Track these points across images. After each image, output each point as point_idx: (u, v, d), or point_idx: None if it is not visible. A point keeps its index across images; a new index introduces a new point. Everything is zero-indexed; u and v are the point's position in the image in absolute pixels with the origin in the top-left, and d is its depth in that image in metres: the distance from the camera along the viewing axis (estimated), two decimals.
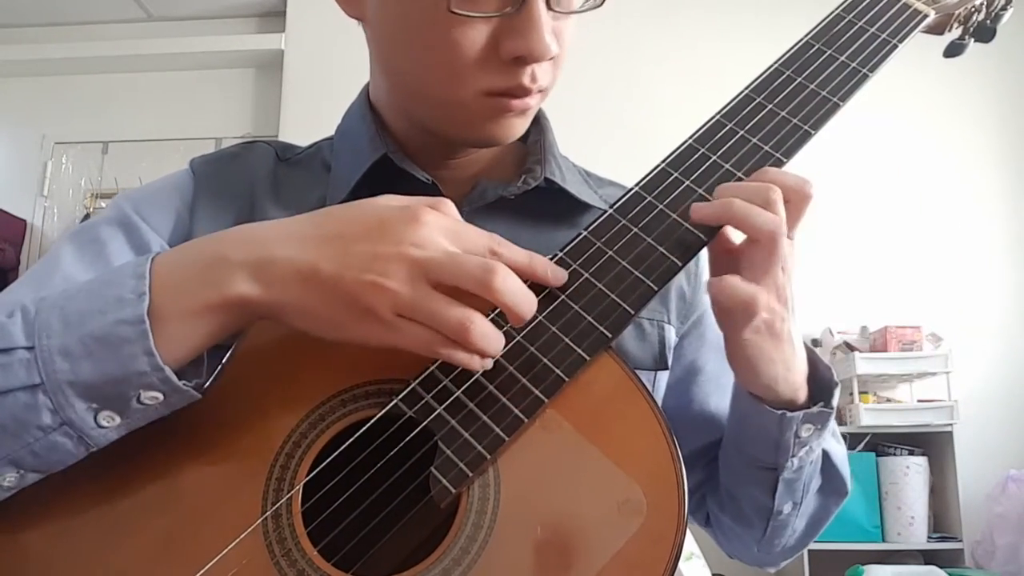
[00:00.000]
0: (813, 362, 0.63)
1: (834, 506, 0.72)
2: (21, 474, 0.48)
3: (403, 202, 0.51)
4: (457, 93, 0.62)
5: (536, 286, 0.54)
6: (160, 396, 0.48)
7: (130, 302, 0.47)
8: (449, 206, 0.52)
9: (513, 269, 0.50)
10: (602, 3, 0.62)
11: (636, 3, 3.20)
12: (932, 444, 2.67)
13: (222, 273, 0.48)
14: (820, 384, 0.63)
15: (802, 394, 0.61)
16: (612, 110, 3.12)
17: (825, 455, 0.68)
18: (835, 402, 0.63)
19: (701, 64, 3.14)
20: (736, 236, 0.59)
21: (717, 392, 0.75)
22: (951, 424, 2.60)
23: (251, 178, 0.71)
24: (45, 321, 0.47)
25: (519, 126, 0.66)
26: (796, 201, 0.57)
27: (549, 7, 0.59)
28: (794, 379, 0.60)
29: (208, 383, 0.53)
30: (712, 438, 0.75)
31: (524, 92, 0.62)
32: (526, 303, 0.49)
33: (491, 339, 0.49)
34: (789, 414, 0.60)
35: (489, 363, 0.51)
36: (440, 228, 0.49)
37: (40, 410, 0.46)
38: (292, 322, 0.50)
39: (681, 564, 0.49)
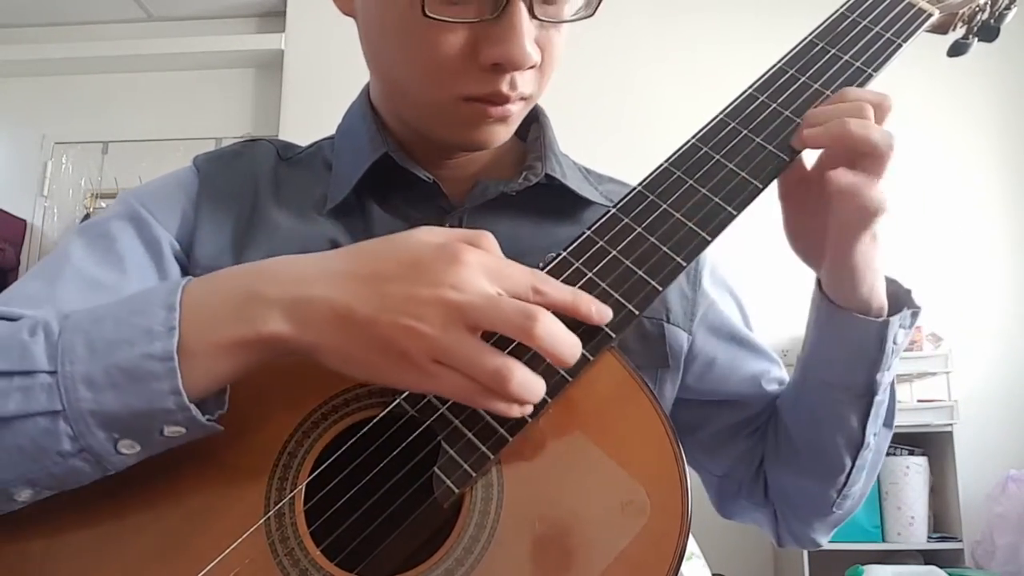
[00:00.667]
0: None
1: (885, 442, 0.73)
2: (36, 491, 0.48)
3: (441, 238, 0.49)
4: (436, 96, 0.62)
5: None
6: (183, 430, 0.48)
7: (159, 335, 0.46)
8: (489, 240, 0.50)
9: (557, 308, 0.49)
10: (593, 13, 0.62)
11: (635, 3, 3.20)
12: (932, 444, 2.66)
13: (256, 310, 0.48)
14: (895, 294, 0.66)
15: (886, 302, 0.64)
16: (610, 110, 3.11)
17: None
18: (918, 301, 0.66)
19: (700, 64, 3.14)
20: (808, 161, 0.61)
21: (734, 375, 0.77)
22: (951, 424, 2.60)
23: (253, 177, 0.71)
24: (69, 345, 0.46)
25: (501, 133, 0.66)
26: (879, 113, 0.60)
27: (532, 15, 0.59)
28: (882, 291, 0.64)
29: None
30: (747, 412, 0.77)
31: (503, 99, 0.62)
32: (568, 349, 0.48)
33: (530, 388, 0.47)
34: (891, 319, 0.63)
35: (529, 409, 0.49)
36: (480, 267, 0.47)
37: (60, 436, 0.45)
38: (325, 362, 0.48)
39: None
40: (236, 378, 0.49)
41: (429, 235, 0.50)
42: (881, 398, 0.67)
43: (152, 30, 3.68)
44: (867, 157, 0.57)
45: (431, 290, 0.46)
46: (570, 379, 0.52)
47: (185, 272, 0.67)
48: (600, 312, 0.52)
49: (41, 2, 3.55)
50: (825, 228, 0.61)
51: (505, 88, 0.61)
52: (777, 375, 0.79)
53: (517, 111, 0.64)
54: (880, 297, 0.64)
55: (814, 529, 0.77)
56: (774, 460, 0.76)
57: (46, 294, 0.61)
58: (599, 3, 0.61)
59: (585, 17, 0.62)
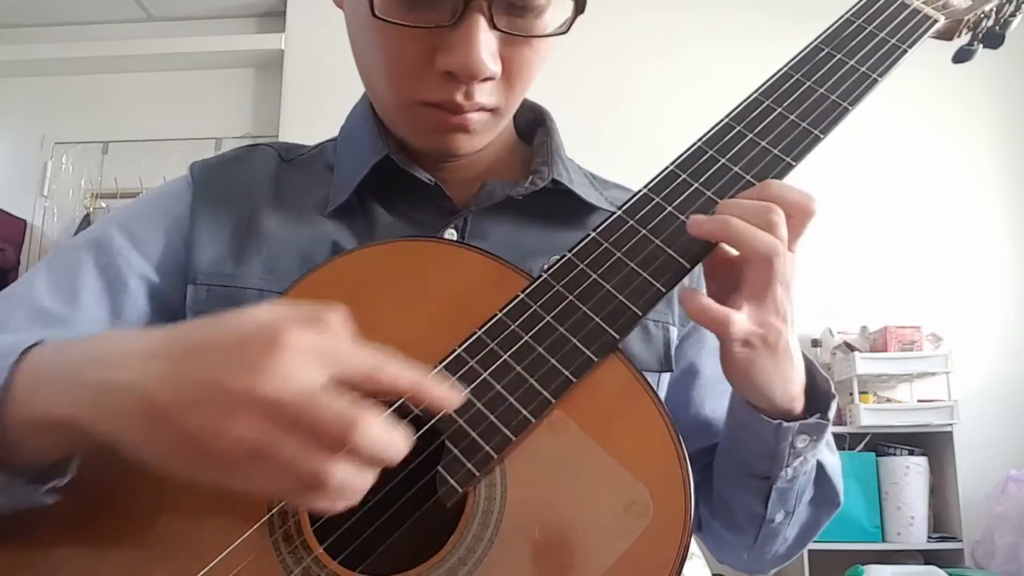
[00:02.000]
0: (811, 372, 0.62)
1: (825, 517, 0.71)
2: None
3: (269, 318, 0.43)
4: (397, 99, 0.62)
5: (540, 305, 0.54)
6: (6, 498, 0.47)
7: None
8: (333, 318, 0.45)
9: (400, 394, 0.45)
10: (567, 31, 0.61)
11: (634, 5, 3.20)
12: (932, 444, 2.67)
13: (63, 389, 0.45)
14: (817, 394, 0.62)
15: (799, 404, 0.61)
16: (610, 111, 3.11)
17: (819, 466, 0.68)
18: (831, 413, 0.62)
19: (702, 66, 3.14)
20: (733, 248, 0.57)
21: (713, 397, 0.74)
22: (951, 424, 2.60)
23: (253, 182, 0.71)
24: None
25: (464, 142, 0.65)
26: (798, 216, 0.55)
27: (493, 26, 0.58)
28: (791, 390, 0.59)
29: None
30: (706, 443, 0.74)
31: (456, 108, 0.61)
32: (391, 454, 0.43)
33: (351, 483, 0.42)
34: (785, 424, 0.59)
35: (348, 502, 0.44)
36: (307, 351, 0.42)
37: None
38: (130, 456, 0.43)
39: None
40: (68, 452, 0.48)
41: (259, 313, 0.44)
42: (784, 486, 0.63)
43: (152, 30, 3.68)
44: (748, 262, 0.54)
45: (245, 381, 0.40)
46: (575, 380, 0.52)
47: (158, 299, 0.67)
48: (448, 396, 0.47)
49: (41, 2, 3.55)
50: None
51: (459, 98, 0.60)
52: None
53: (480, 121, 0.63)
54: (787, 398, 0.59)
55: (741, 568, 0.76)
56: (703, 499, 0.74)
57: (1, 320, 0.62)
58: (573, 21, 0.60)
59: (558, 34, 0.61)
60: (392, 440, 0.43)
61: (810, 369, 0.62)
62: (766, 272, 0.53)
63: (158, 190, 0.73)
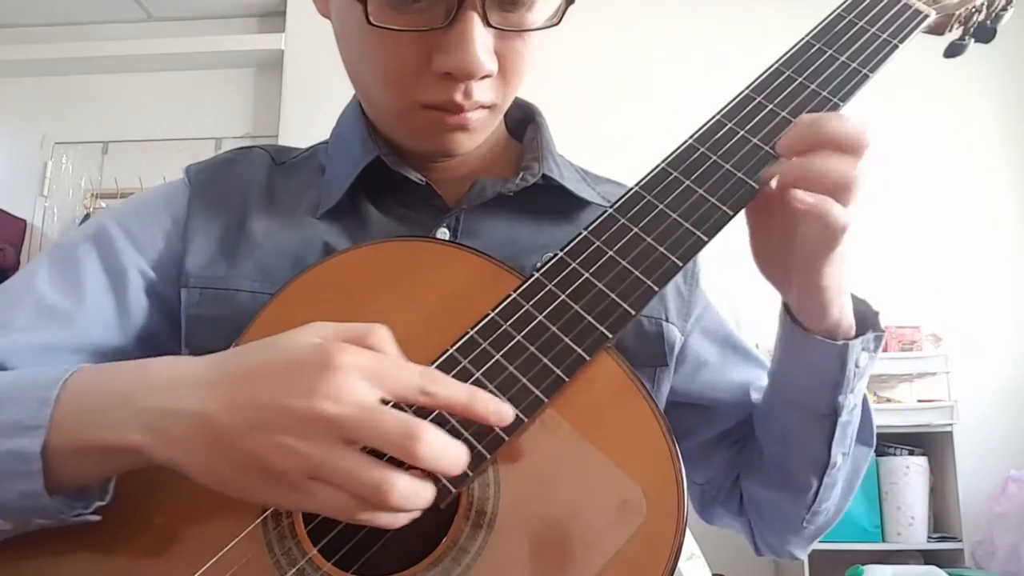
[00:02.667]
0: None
1: (863, 459, 0.73)
2: None
3: (318, 339, 0.46)
4: (394, 103, 0.62)
5: (532, 304, 0.55)
6: (53, 521, 0.48)
7: (27, 431, 0.46)
8: (380, 337, 0.47)
9: (450, 410, 0.46)
10: (559, 22, 0.61)
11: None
12: (932, 444, 2.66)
13: (122, 418, 0.46)
14: (860, 315, 0.64)
15: (853, 327, 0.63)
16: (598, 107, 3.11)
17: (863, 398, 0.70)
18: (882, 327, 0.64)
19: (692, 64, 3.14)
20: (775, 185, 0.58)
21: (723, 379, 0.76)
22: (951, 424, 2.60)
23: (246, 185, 0.71)
24: None
25: (464, 141, 0.65)
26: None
27: (487, 23, 0.58)
28: (848, 309, 0.62)
29: None
30: (731, 422, 0.76)
31: (457, 108, 0.61)
32: (453, 464, 0.44)
33: (414, 498, 0.44)
34: (851, 342, 0.61)
35: (412, 515, 0.46)
36: (360, 371, 0.43)
37: None
38: (193, 478, 0.45)
39: (681, 564, 0.49)
40: (111, 476, 0.49)
41: (308, 335, 0.46)
42: (846, 419, 0.65)
43: (152, 30, 3.68)
44: (833, 191, 0.55)
45: (304, 401, 0.42)
46: (567, 379, 0.52)
47: (157, 297, 0.67)
48: (499, 412, 0.47)
49: (41, 2, 3.55)
50: (790, 250, 0.59)
51: (459, 97, 0.60)
52: (765, 383, 0.78)
53: (479, 119, 0.64)
54: (847, 318, 0.62)
55: (789, 543, 0.77)
56: (748, 473, 0.76)
57: (3, 319, 0.62)
58: (564, 11, 0.60)
59: (550, 26, 0.61)
60: (452, 451, 0.44)
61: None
62: (844, 197, 0.54)
63: (155, 191, 0.73)
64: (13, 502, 0.47)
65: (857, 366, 0.62)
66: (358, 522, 0.45)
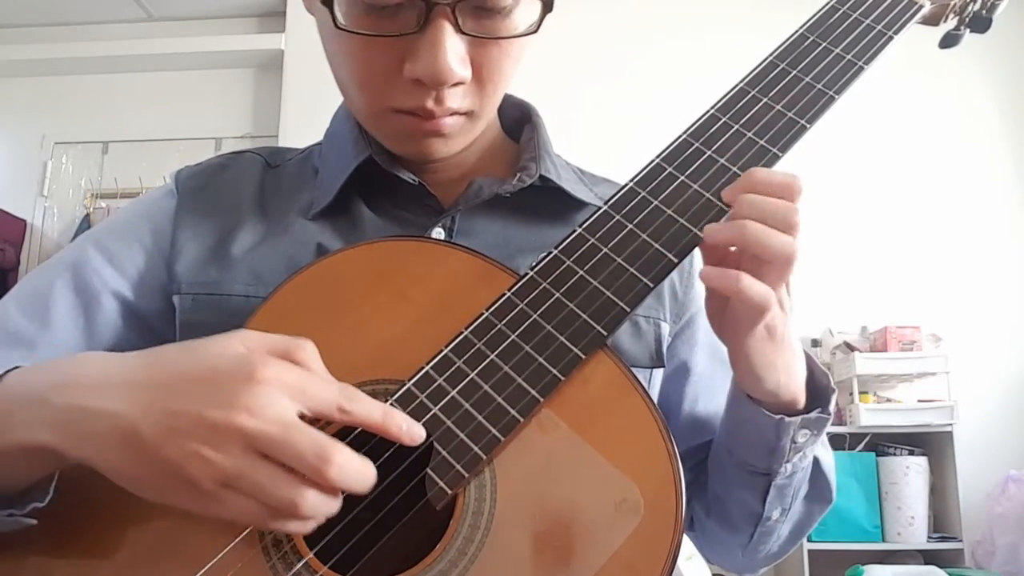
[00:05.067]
0: (809, 367, 0.62)
1: (818, 514, 0.71)
2: None
3: (243, 350, 0.46)
4: (369, 106, 0.62)
5: (527, 303, 0.54)
6: None
7: None
8: (306, 352, 0.48)
9: (365, 427, 0.47)
10: (536, 30, 0.60)
11: None
12: (932, 444, 2.66)
13: (31, 414, 0.46)
14: (817, 389, 0.63)
15: (801, 399, 0.61)
16: (594, 105, 3.11)
17: (815, 461, 0.68)
18: (832, 408, 0.62)
19: (686, 58, 3.13)
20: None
21: (706, 394, 0.75)
22: (951, 424, 2.60)
23: (237, 190, 0.71)
24: None
25: (439, 146, 0.64)
26: (789, 199, 0.55)
27: (459, 30, 0.57)
28: (794, 385, 0.60)
29: None
30: (699, 440, 0.74)
31: (428, 115, 0.60)
32: (362, 483, 0.45)
33: (323, 509, 0.45)
34: (787, 419, 0.59)
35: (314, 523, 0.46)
36: (281, 386, 0.44)
37: None
38: (109, 477, 0.45)
39: (681, 564, 0.49)
40: (38, 478, 0.48)
41: (234, 344, 0.46)
42: (783, 482, 0.64)
43: (152, 30, 3.68)
44: (763, 264, 0.54)
45: (222, 412, 0.43)
46: (562, 378, 0.52)
47: (133, 315, 0.67)
48: (411, 432, 0.48)
49: (41, 2, 3.55)
50: (720, 317, 0.58)
51: (430, 104, 0.60)
52: None
53: (454, 125, 0.63)
54: (790, 392, 0.59)
55: (732, 568, 0.77)
56: (696, 497, 0.74)
57: None
58: (541, 20, 0.59)
59: (528, 34, 0.60)
60: (363, 471, 0.45)
61: (809, 364, 0.62)
62: (782, 271, 0.54)
63: (139, 202, 0.73)
64: None
65: (794, 442, 0.61)
66: (269, 529, 0.46)
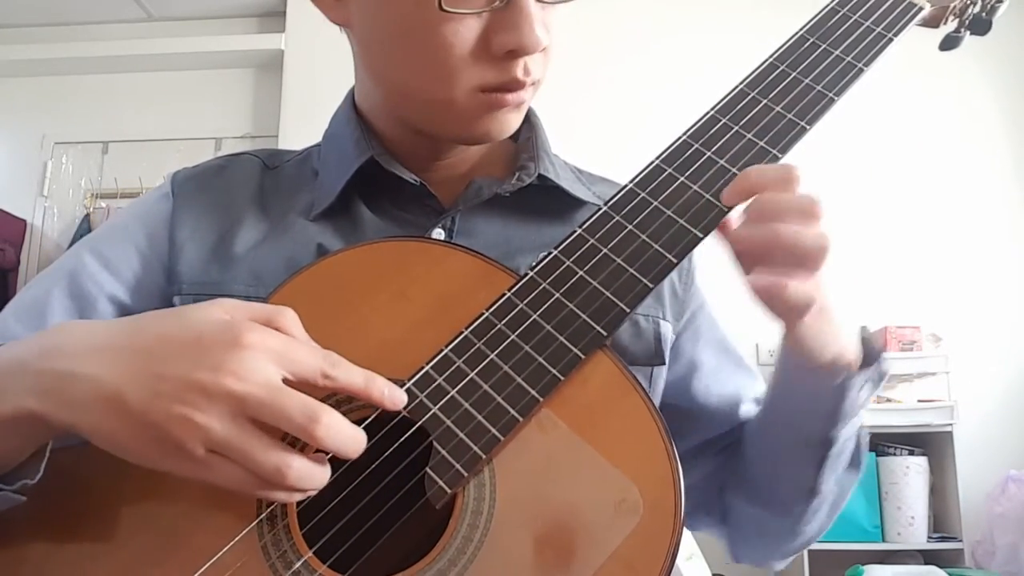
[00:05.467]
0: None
1: (850, 485, 0.72)
2: None
3: (227, 317, 0.46)
4: (451, 92, 0.62)
5: (526, 303, 0.54)
6: None
7: None
8: (287, 319, 0.48)
9: (348, 392, 0.48)
10: None
11: None
12: (932, 444, 2.66)
13: (15, 383, 0.45)
14: (865, 351, 0.64)
15: (856, 361, 0.62)
16: (596, 105, 3.11)
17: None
18: (885, 363, 0.64)
19: (687, 60, 3.14)
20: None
21: (717, 384, 0.76)
22: (951, 424, 2.60)
23: (235, 191, 0.71)
24: None
25: (514, 121, 0.66)
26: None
27: None
28: (850, 350, 0.61)
29: None
30: (719, 430, 0.75)
31: (518, 85, 0.62)
32: (352, 446, 0.46)
33: (310, 479, 0.45)
34: (851, 378, 0.61)
35: (312, 493, 0.47)
36: (266, 351, 0.44)
37: None
38: (93, 442, 0.45)
39: (681, 564, 0.49)
40: (27, 450, 0.48)
41: (216, 311, 0.46)
42: (838, 450, 0.65)
43: (152, 30, 3.68)
44: (798, 264, 0.54)
45: (210, 375, 0.43)
46: (562, 377, 0.52)
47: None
48: (392, 396, 0.49)
49: (41, 2, 3.55)
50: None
51: (520, 74, 0.61)
52: (756, 393, 0.78)
53: (529, 97, 0.65)
54: (846, 355, 0.61)
55: (769, 556, 0.77)
56: (734, 486, 0.75)
57: None
58: None
59: None
60: (350, 434, 0.46)
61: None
62: (819, 262, 0.54)
63: (134, 206, 0.73)
64: None
65: (856, 401, 0.62)
66: (256, 496, 0.47)
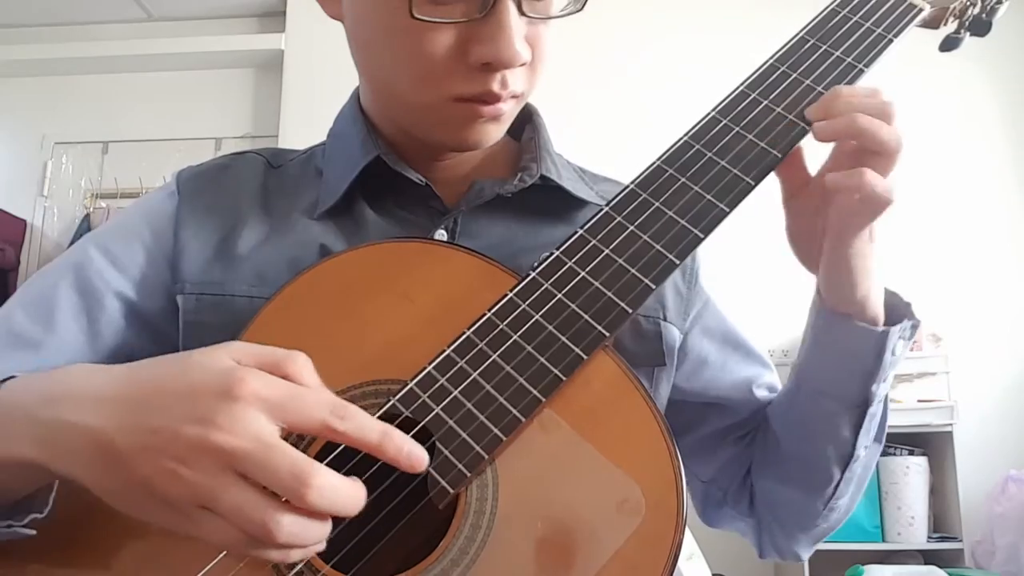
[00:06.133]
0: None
1: (874, 457, 0.73)
2: None
3: (230, 363, 0.44)
4: (427, 98, 0.62)
5: (529, 303, 0.55)
6: None
7: None
8: (297, 364, 0.45)
9: (359, 446, 0.44)
10: (582, 7, 0.62)
11: None
12: (932, 444, 2.66)
13: (16, 429, 0.46)
14: (893, 305, 0.65)
15: (881, 314, 0.63)
16: (598, 105, 3.11)
17: None
18: (915, 315, 0.65)
19: (689, 61, 3.13)
20: (811, 166, 0.61)
21: (725, 377, 0.77)
22: (951, 424, 2.60)
23: (240, 190, 0.71)
24: None
25: (494, 131, 0.65)
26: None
27: (521, 12, 0.58)
28: (879, 296, 0.63)
29: None
30: (735, 417, 0.76)
31: (494, 99, 0.61)
32: (348, 505, 0.43)
33: (303, 536, 0.42)
34: (891, 329, 0.62)
35: (305, 552, 0.44)
36: (261, 402, 0.42)
37: None
38: (93, 492, 0.44)
39: (681, 564, 0.49)
40: (29, 489, 0.48)
41: (221, 357, 0.45)
42: (875, 410, 0.66)
43: (152, 30, 3.68)
44: (875, 155, 0.57)
45: (199, 429, 0.41)
46: (564, 378, 0.52)
47: (135, 315, 0.67)
48: (411, 455, 0.45)
49: (41, 2, 3.55)
50: (822, 226, 0.61)
51: (496, 87, 0.60)
52: (768, 381, 0.78)
53: (509, 109, 0.64)
54: (876, 305, 0.63)
55: (798, 542, 0.77)
56: (762, 469, 0.75)
57: None
58: None
59: (574, 12, 0.62)
60: (348, 492, 0.43)
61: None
62: (889, 162, 0.58)
63: (140, 204, 0.73)
64: None
65: (893, 354, 0.63)
66: (245, 555, 0.44)
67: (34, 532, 0.48)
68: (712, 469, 0.78)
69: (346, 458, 0.51)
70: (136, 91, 3.59)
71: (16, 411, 0.47)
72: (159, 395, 0.44)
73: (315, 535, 0.43)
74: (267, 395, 0.42)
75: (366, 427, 0.44)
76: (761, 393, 0.77)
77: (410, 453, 0.45)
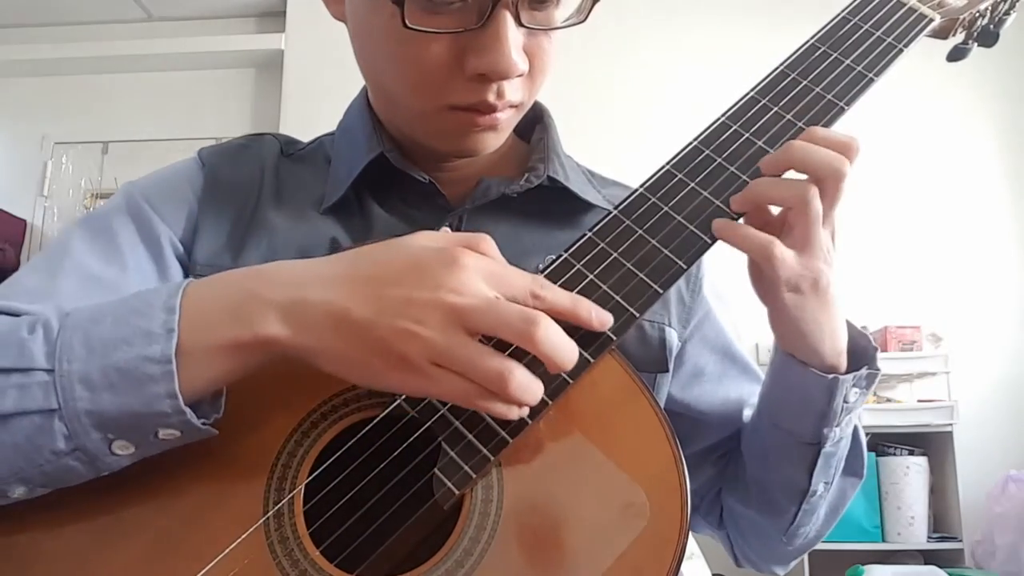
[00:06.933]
0: (847, 328, 0.63)
1: (851, 490, 0.72)
2: (29, 488, 0.47)
3: (440, 242, 0.49)
4: (423, 106, 0.62)
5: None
6: (178, 433, 0.48)
7: (158, 338, 0.46)
8: (489, 244, 0.50)
9: (555, 313, 0.48)
10: (585, 19, 0.61)
11: (637, 2, 3.20)
12: (932, 444, 2.66)
13: (254, 311, 0.47)
14: (857, 350, 0.63)
15: (843, 360, 0.62)
16: (607, 110, 3.11)
17: (853, 430, 0.69)
18: (878, 364, 0.63)
19: (699, 67, 3.14)
20: (774, 208, 0.59)
21: (719, 390, 0.76)
22: (951, 424, 2.60)
23: (258, 173, 0.71)
24: (68, 343, 0.46)
25: (491, 140, 0.65)
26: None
27: (519, 23, 0.58)
28: (838, 343, 0.61)
29: None
30: (721, 435, 0.75)
31: (489, 109, 0.61)
32: (567, 355, 0.47)
33: (530, 389, 0.47)
34: (841, 377, 0.60)
35: (527, 410, 0.49)
36: (479, 271, 0.47)
37: (55, 435, 0.45)
38: (323, 366, 0.48)
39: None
40: (233, 380, 0.49)
41: (429, 239, 0.49)
42: (830, 450, 0.64)
43: (152, 30, 3.68)
44: (819, 181, 0.56)
45: (430, 293, 0.45)
46: (571, 381, 0.52)
47: (185, 270, 0.67)
48: (600, 318, 0.51)
49: (41, 2, 3.55)
50: (760, 279, 0.60)
51: (492, 98, 0.60)
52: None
53: (506, 119, 0.64)
54: (833, 353, 0.61)
55: (768, 560, 0.77)
56: (729, 489, 0.75)
57: (46, 288, 0.61)
58: (591, 8, 0.60)
59: (577, 23, 0.61)
60: (566, 342, 0.47)
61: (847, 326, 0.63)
62: (832, 191, 0.56)
63: (171, 169, 0.72)
64: (142, 407, 0.46)
65: (846, 401, 0.62)
66: (475, 408, 0.48)
67: (217, 432, 0.49)
68: (693, 485, 0.77)
69: (360, 451, 0.52)
70: (136, 91, 3.59)
71: (244, 295, 0.48)
72: (387, 270, 0.48)
73: (536, 391, 0.47)
74: (483, 266, 0.48)
75: (559, 293, 0.50)
76: (748, 413, 0.76)
77: (599, 315, 0.51)
